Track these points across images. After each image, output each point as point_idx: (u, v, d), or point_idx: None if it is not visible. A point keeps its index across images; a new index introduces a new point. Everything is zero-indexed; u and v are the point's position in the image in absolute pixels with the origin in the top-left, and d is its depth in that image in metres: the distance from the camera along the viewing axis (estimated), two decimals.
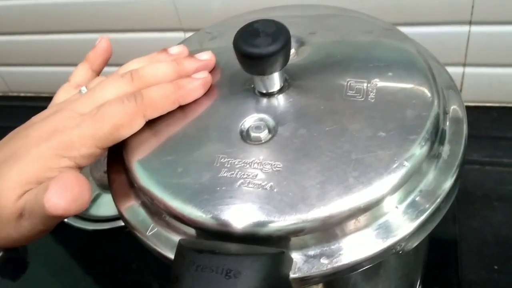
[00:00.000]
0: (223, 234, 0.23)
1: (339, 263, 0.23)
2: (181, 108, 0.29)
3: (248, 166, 0.25)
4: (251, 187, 0.24)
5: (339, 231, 0.24)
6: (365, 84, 0.27)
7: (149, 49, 0.32)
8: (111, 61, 0.34)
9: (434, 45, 0.49)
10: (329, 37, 0.31)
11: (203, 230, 0.24)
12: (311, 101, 0.27)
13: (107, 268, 0.50)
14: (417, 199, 0.24)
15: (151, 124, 0.28)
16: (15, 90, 0.75)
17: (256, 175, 0.24)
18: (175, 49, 0.31)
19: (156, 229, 0.26)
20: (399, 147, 0.24)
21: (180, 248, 0.23)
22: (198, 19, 0.56)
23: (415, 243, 0.25)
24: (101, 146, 0.27)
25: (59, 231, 0.51)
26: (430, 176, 0.25)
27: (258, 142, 0.26)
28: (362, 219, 0.24)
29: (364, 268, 0.24)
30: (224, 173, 0.25)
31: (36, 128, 0.27)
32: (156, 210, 0.26)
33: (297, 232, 0.23)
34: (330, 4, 0.34)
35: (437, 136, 0.26)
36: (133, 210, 0.27)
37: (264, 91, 0.28)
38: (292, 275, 0.23)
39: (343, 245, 0.24)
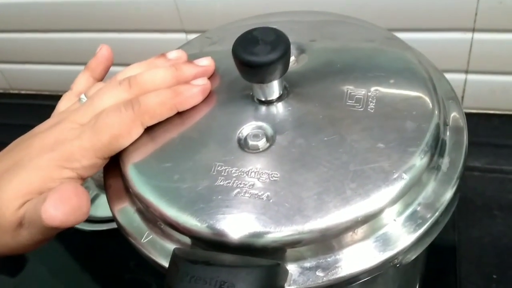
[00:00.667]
0: (218, 244, 0.23)
1: (335, 276, 0.23)
2: (179, 114, 0.28)
3: (245, 175, 0.25)
4: (248, 197, 0.24)
5: (336, 243, 0.23)
6: (364, 94, 0.27)
7: (151, 50, 0.32)
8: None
9: (436, 52, 0.49)
10: (329, 45, 0.30)
11: (198, 239, 0.24)
12: (310, 110, 0.27)
13: (106, 267, 0.50)
14: (416, 211, 0.24)
15: (148, 130, 0.28)
16: (15, 88, 0.75)
17: (253, 185, 0.24)
18: (173, 54, 0.31)
19: (151, 236, 0.26)
20: (398, 159, 0.24)
21: (174, 258, 0.23)
22: (200, 21, 0.55)
23: (413, 256, 0.24)
24: (102, 157, 0.27)
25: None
26: (429, 188, 0.25)
27: (255, 150, 0.26)
28: (360, 231, 0.23)
29: (361, 281, 0.24)
30: (221, 181, 0.25)
31: (38, 139, 0.27)
32: (151, 217, 0.26)
33: (293, 243, 0.23)
34: (331, 10, 0.34)
35: (436, 148, 0.25)
36: (129, 216, 0.27)
37: (263, 99, 0.27)
38: (287, 287, 0.23)
39: (340, 257, 0.23)
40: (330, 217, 0.23)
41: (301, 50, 0.30)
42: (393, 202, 0.23)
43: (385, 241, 0.23)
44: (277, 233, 0.23)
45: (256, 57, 0.24)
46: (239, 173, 0.25)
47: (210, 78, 0.30)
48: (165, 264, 0.24)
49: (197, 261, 0.22)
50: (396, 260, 0.23)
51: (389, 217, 0.24)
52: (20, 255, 0.49)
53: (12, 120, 0.70)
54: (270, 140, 0.26)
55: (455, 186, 0.25)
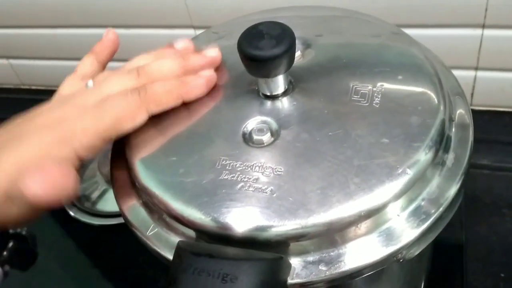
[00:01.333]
0: (222, 237, 0.23)
1: (338, 270, 0.23)
2: (185, 108, 0.28)
3: (249, 169, 0.25)
4: (252, 191, 0.24)
5: (339, 238, 0.23)
6: (370, 89, 0.27)
7: (159, 45, 0.32)
8: (120, 56, 0.34)
9: (446, 48, 0.49)
10: (335, 40, 0.30)
11: (202, 232, 0.24)
12: (315, 104, 0.27)
13: (114, 262, 0.50)
14: (420, 206, 0.24)
15: (154, 123, 0.28)
16: (26, 83, 0.76)
17: (257, 179, 0.24)
18: (181, 44, 0.31)
19: (156, 229, 0.26)
20: (402, 154, 0.24)
21: (179, 250, 0.23)
22: (208, 16, 0.55)
23: (416, 251, 0.24)
24: (103, 138, 0.27)
25: (68, 225, 0.53)
26: (434, 183, 0.25)
27: (260, 145, 0.26)
28: (363, 226, 0.23)
29: (364, 276, 0.24)
30: (225, 175, 0.25)
31: (40, 117, 0.27)
32: (156, 210, 0.26)
33: (296, 237, 0.23)
34: (340, 5, 0.34)
35: (441, 144, 0.25)
36: (134, 209, 0.27)
37: (268, 94, 0.27)
38: (290, 281, 0.23)
39: (343, 251, 0.23)
40: (333, 211, 0.23)
41: (307, 45, 0.30)
42: (397, 197, 0.23)
43: (388, 236, 0.23)
44: (281, 227, 0.23)
45: (261, 51, 0.25)
46: (244, 167, 0.25)
47: (216, 72, 0.30)
48: (170, 256, 0.24)
49: (201, 254, 0.22)
50: (399, 255, 0.23)
51: (392, 212, 0.24)
52: (31, 250, 0.50)
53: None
54: (275, 134, 0.26)
55: (460, 182, 0.25)
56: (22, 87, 0.76)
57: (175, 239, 0.25)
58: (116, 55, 0.34)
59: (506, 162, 0.50)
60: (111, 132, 0.27)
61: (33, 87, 0.76)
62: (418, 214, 0.24)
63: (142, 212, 0.27)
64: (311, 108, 0.27)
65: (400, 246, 0.23)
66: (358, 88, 0.27)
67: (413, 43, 0.30)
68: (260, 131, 0.26)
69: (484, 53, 0.49)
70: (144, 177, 0.26)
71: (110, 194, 0.55)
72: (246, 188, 0.24)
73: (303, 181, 0.24)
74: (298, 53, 0.29)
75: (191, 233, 0.25)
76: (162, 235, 0.26)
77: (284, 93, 0.27)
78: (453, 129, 0.27)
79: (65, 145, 0.26)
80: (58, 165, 0.24)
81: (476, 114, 0.29)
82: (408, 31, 0.31)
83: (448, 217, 0.25)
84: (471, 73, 0.52)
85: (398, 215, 0.24)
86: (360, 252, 0.23)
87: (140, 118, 0.27)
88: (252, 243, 0.23)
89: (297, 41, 0.26)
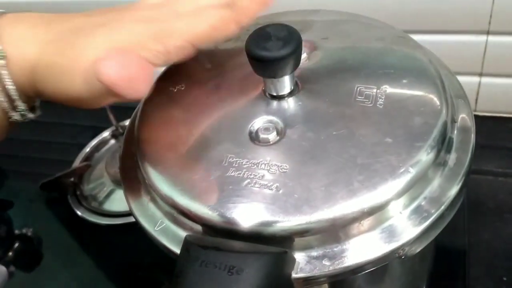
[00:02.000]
0: (228, 231, 0.24)
1: (342, 265, 0.24)
2: (193, 107, 0.29)
3: (255, 166, 0.25)
4: (258, 187, 0.25)
5: (342, 234, 0.24)
6: (374, 90, 0.27)
7: None
8: None
9: (450, 54, 0.49)
10: (341, 43, 0.31)
11: (209, 227, 0.25)
12: (320, 105, 0.28)
13: (119, 262, 0.51)
14: (421, 205, 0.25)
15: (163, 122, 0.29)
16: None
17: (263, 176, 0.25)
18: None
19: (164, 224, 0.27)
20: (405, 154, 0.24)
21: (186, 244, 0.24)
22: None
23: (418, 248, 0.25)
24: (195, 43, 0.27)
25: (74, 225, 0.53)
26: (436, 183, 0.25)
27: (266, 143, 0.26)
28: (366, 222, 0.24)
29: (367, 271, 0.24)
30: (232, 172, 0.25)
31: (137, 11, 0.28)
32: (164, 206, 0.27)
33: (300, 233, 0.23)
34: (346, 10, 0.35)
35: (443, 144, 0.26)
36: (143, 205, 0.28)
37: (275, 94, 0.28)
38: (294, 275, 0.23)
39: (346, 247, 0.24)
40: (337, 208, 0.23)
41: (313, 48, 0.31)
42: (399, 195, 0.24)
43: (390, 233, 0.24)
44: (286, 222, 0.23)
45: (268, 52, 0.25)
46: (250, 165, 0.26)
47: (223, 74, 0.31)
48: (177, 250, 0.25)
49: (208, 247, 0.23)
50: (401, 252, 0.24)
51: (395, 209, 0.24)
52: (36, 251, 0.51)
53: None
54: (281, 133, 0.27)
55: (461, 182, 0.26)
56: None
57: (183, 234, 0.26)
58: None
59: (510, 168, 0.50)
60: (204, 39, 0.27)
61: None
62: (419, 212, 0.25)
63: (151, 208, 0.28)
64: (316, 108, 0.27)
65: (402, 243, 0.24)
66: (362, 90, 0.28)
67: (417, 46, 0.30)
68: (266, 130, 0.27)
69: (489, 59, 0.50)
70: (153, 174, 0.27)
71: (117, 194, 0.56)
72: (252, 184, 0.25)
73: (308, 179, 0.24)
74: (304, 55, 0.30)
75: (198, 228, 0.25)
76: (170, 230, 0.26)
77: (290, 94, 0.28)
78: (455, 131, 0.27)
79: (158, 40, 0.26)
80: (141, 57, 0.25)
81: (480, 119, 0.29)
82: (414, 37, 0.31)
83: (449, 216, 0.25)
84: (476, 79, 0.52)
85: (400, 213, 0.24)
86: (363, 248, 0.24)
87: (231, 29, 0.27)
88: (258, 237, 0.24)
89: (303, 43, 0.26)
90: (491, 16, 0.46)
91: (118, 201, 0.55)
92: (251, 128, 0.27)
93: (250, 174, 0.25)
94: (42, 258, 0.52)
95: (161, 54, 0.26)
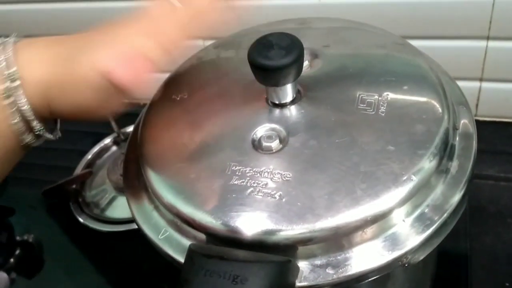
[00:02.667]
0: (232, 240, 0.24)
1: (345, 274, 0.24)
2: (195, 115, 0.29)
3: (258, 175, 0.25)
4: (261, 196, 0.25)
5: (346, 242, 0.24)
6: (376, 98, 0.28)
7: None
8: None
9: (451, 60, 0.49)
10: (342, 51, 0.31)
11: (213, 236, 0.25)
12: (323, 113, 0.28)
13: (121, 269, 0.50)
14: (424, 213, 0.25)
15: (166, 130, 0.29)
16: None
17: (266, 184, 0.25)
18: None
19: (168, 233, 0.27)
20: (407, 161, 0.25)
21: (190, 253, 0.24)
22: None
23: (421, 256, 0.25)
24: (188, 34, 0.29)
25: (75, 232, 0.53)
26: (438, 190, 0.25)
27: (269, 151, 0.26)
28: (369, 230, 0.24)
29: (371, 279, 0.24)
30: (235, 180, 0.26)
31: (137, 23, 0.29)
32: (168, 214, 0.27)
33: (304, 241, 0.24)
34: (346, 17, 0.35)
35: (446, 152, 0.26)
36: (146, 213, 0.28)
37: (277, 102, 0.28)
38: (298, 283, 0.23)
39: (349, 255, 0.24)
40: (340, 216, 0.23)
41: (315, 55, 0.31)
42: (402, 203, 0.24)
43: (393, 241, 0.24)
44: (289, 231, 0.23)
45: (271, 61, 0.25)
46: (253, 173, 0.26)
47: (226, 82, 0.31)
48: (181, 259, 0.25)
49: (212, 256, 0.23)
50: (404, 260, 0.24)
51: (398, 217, 0.24)
52: (38, 258, 0.51)
53: None
54: (283, 141, 0.27)
55: (463, 189, 0.26)
56: None
57: (186, 242, 0.26)
58: None
59: (510, 172, 0.50)
60: (197, 30, 0.29)
61: None
62: (422, 220, 0.25)
63: (154, 216, 0.28)
64: (318, 116, 0.28)
65: (405, 251, 0.24)
66: (364, 97, 0.28)
67: (417, 53, 0.31)
68: (269, 138, 0.27)
69: (489, 65, 0.50)
70: (156, 182, 0.27)
71: (119, 201, 0.56)
72: (256, 193, 0.25)
73: (311, 187, 0.24)
74: (306, 63, 0.30)
75: (202, 236, 0.25)
76: (174, 238, 0.26)
77: (292, 102, 0.28)
78: (457, 138, 0.27)
79: (158, 49, 0.28)
80: (143, 54, 0.27)
81: (481, 125, 0.29)
82: (414, 43, 0.32)
83: (452, 223, 0.25)
84: (476, 84, 0.52)
85: (403, 221, 0.24)
86: (366, 256, 0.24)
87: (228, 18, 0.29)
88: (261, 246, 0.24)
89: (305, 52, 0.27)
90: (491, 22, 0.47)
91: (120, 208, 0.55)
92: (254, 136, 0.27)
93: (253, 183, 0.25)
94: (44, 265, 0.52)
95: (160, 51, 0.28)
